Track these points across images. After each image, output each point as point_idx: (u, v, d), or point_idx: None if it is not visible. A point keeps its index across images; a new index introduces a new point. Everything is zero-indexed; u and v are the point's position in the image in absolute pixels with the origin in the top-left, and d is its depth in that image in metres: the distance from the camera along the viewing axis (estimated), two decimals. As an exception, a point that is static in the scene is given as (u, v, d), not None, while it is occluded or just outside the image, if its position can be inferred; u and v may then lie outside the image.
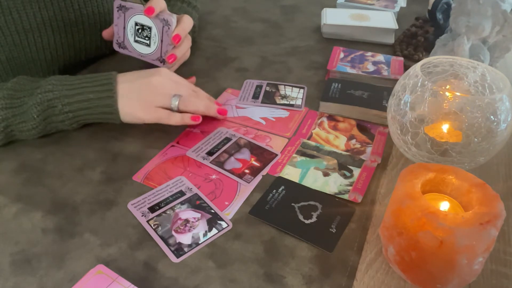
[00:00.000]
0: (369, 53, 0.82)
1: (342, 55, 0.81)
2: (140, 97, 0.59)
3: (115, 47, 0.68)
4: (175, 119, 0.60)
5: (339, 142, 0.61)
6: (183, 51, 0.68)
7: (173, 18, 0.64)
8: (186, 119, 0.61)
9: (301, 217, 0.50)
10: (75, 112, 0.58)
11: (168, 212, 0.50)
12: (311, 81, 0.75)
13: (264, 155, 0.59)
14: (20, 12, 0.63)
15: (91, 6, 0.69)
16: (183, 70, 0.70)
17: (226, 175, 0.56)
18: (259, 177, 0.55)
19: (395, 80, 0.70)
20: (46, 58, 0.69)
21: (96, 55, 0.78)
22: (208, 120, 0.65)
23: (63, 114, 0.57)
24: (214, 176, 0.56)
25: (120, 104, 0.59)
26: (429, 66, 0.54)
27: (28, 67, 0.68)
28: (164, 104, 0.60)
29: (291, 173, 0.56)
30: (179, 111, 0.61)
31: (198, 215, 0.50)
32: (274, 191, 0.53)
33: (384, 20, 0.89)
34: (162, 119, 0.60)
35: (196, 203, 0.51)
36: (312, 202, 0.52)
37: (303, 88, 0.73)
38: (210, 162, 0.57)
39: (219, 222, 0.49)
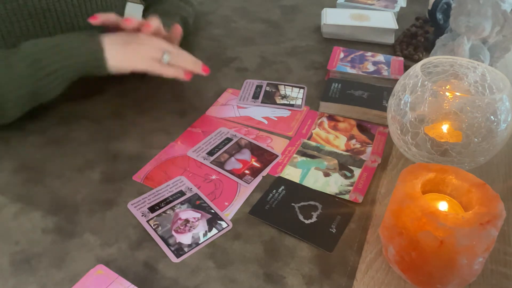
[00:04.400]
0: (369, 53, 0.82)
1: (342, 55, 0.81)
2: (129, 47, 0.61)
3: None
4: (168, 71, 0.61)
5: (339, 142, 0.61)
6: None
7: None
8: (180, 73, 0.62)
9: (301, 217, 0.50)
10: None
11: (168, 212, 0.50)
12: (311, 81, 0.75)
13: (264, 156, 0.59)
14: None
15: None
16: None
17: (226, 176, 0.56)
18: (259, 178, 0.55)
19: (395, 80, 0.70)
20: None
21: None
22: (210, 120, 0.65)
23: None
24: (214, 177, 0.55)
25: (107, 51, 0.59)
26: (429, 66, 0.54)
27: None
28: (154, 56, 0.61)
29: (291, 174, 0.56)
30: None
31: (198, 215, 0.50)
32: (274, 191, 0.53)
33: (384, 20, 0.89)
34: (154, 67, 0.61)
35: (196, 203, 0.51)
36: (312, 202, 0.52)
37: (303, 88, 0.73)
38: (211, 162, 0.57)
39: (219, 222, 0.49)
